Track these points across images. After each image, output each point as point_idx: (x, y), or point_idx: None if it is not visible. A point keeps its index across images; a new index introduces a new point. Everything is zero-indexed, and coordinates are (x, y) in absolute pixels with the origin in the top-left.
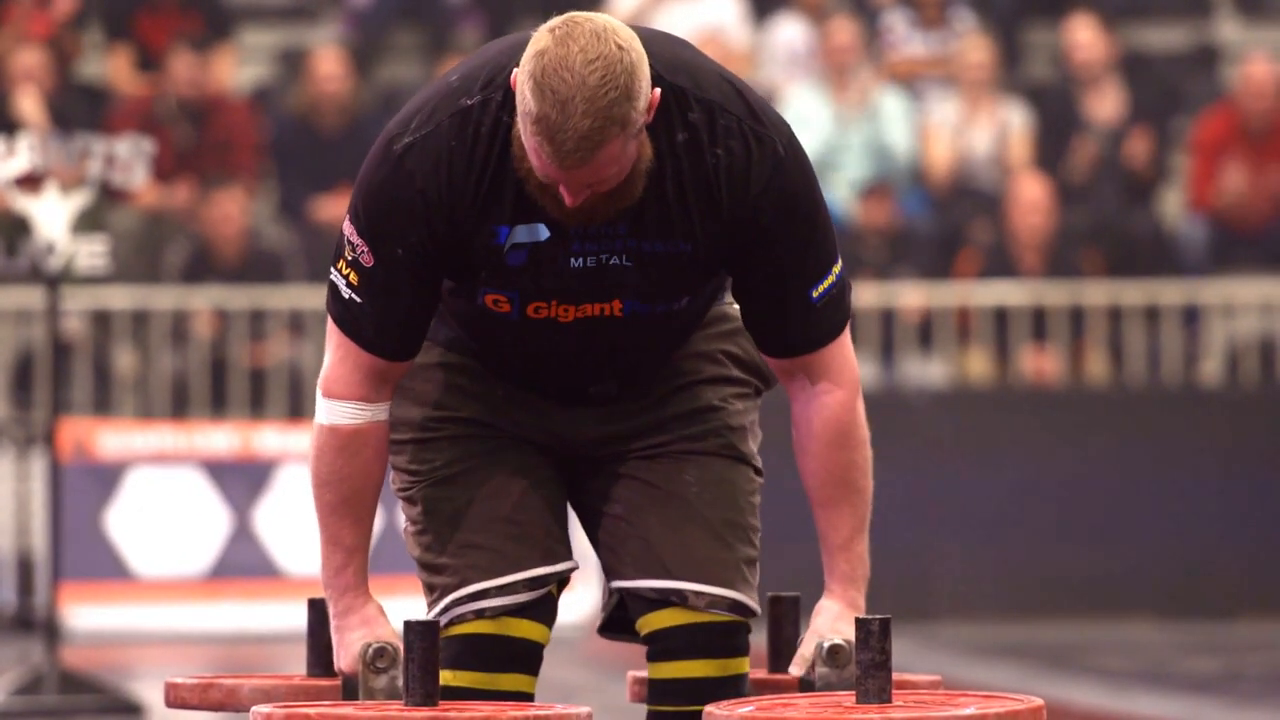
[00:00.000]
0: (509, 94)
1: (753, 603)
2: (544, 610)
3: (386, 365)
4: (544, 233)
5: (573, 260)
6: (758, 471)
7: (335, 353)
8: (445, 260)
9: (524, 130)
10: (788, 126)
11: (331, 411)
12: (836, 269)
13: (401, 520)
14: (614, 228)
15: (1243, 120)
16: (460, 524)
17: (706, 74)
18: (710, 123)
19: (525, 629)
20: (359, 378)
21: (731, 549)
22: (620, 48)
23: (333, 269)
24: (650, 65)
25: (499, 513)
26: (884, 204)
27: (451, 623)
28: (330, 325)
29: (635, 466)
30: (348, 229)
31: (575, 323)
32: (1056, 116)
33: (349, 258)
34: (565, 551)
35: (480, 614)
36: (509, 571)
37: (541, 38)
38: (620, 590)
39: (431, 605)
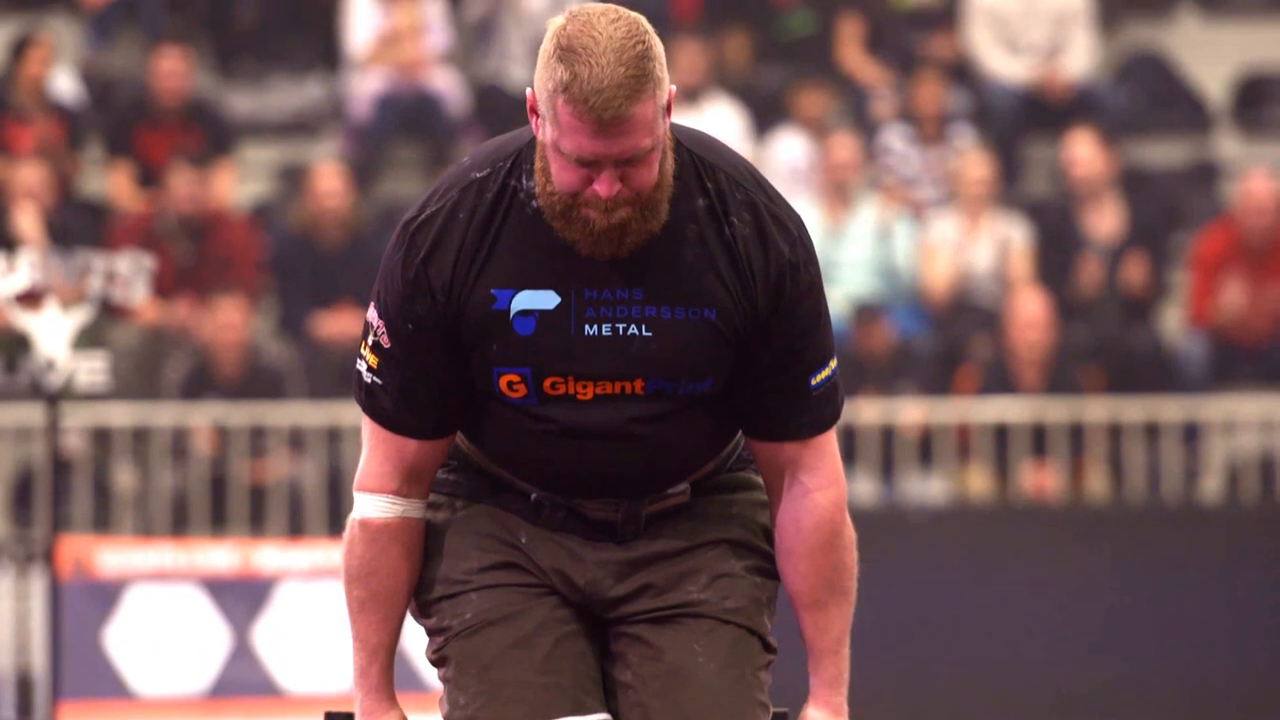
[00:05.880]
0: (518, 161)
1: None
2: None
3: (415, 451)
4: (553, 299)
5: (586, 328)
6: (769, 648)
7: (366, 445)
8: (454, 331)
9: (554, 112)
10: (799, 216)
11: (363, 505)
12: (833, 363)
13: (407, 642)
14: (629, 293)
15: (1243, 236)
16: (490, 674)
17: (723, 151)
18: (727, 193)
19: None
20: (389, 468)
21: None
22: (635, 16)
23: (357, 358)
24: (671, 132)
25: (530, 663)
26: (878, 325)
27: None
28: (363, 420)
29: (647, 630)
30: (370, 314)
31: (596, 401)
32: (1056, 232)
33: (370, 341)
34: (595, 703)
35: None
36: (540, 718)
37: (557, 23)
38: None
39: None
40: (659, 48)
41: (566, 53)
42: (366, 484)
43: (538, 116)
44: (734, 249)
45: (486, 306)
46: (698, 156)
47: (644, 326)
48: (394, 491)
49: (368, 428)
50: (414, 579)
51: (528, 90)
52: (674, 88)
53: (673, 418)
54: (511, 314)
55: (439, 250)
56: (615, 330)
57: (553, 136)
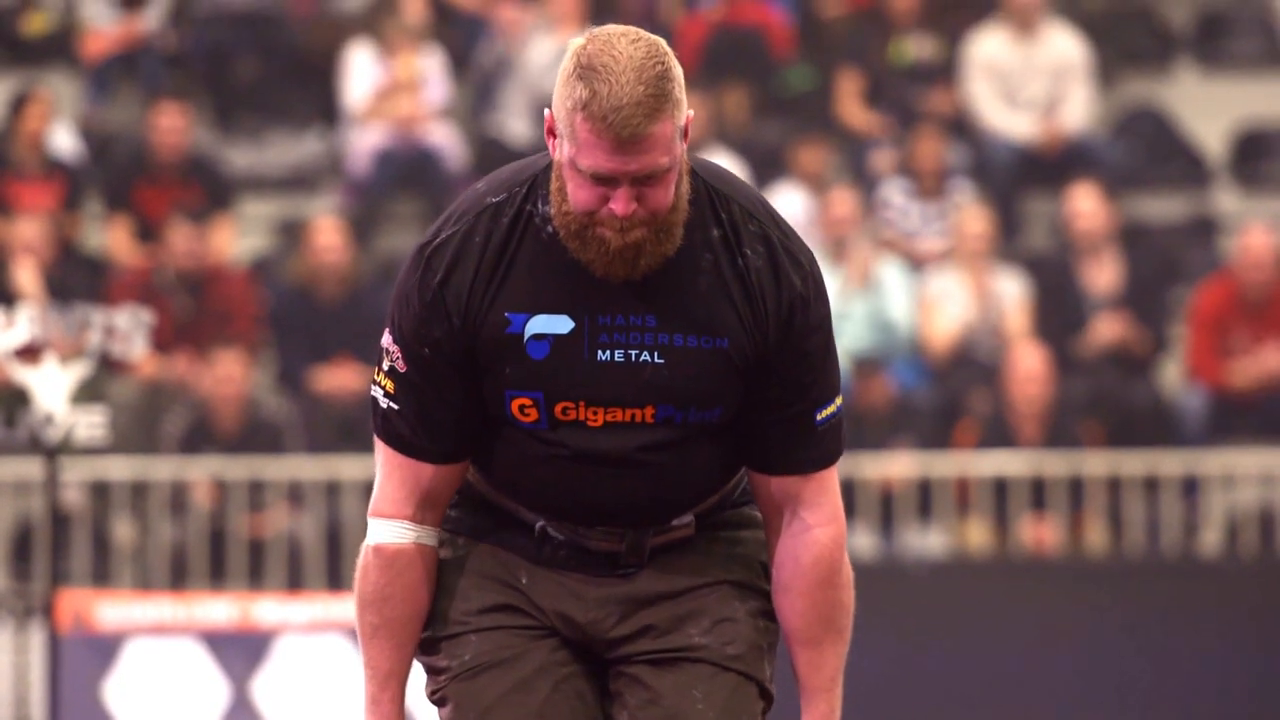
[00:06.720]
0: (534, 186)
1: None
2: None
3: (430, 476)
4: (567, 324)
5: (600, 354)
6: (765, 694)
7: (381, 471)
8: (469, 355)
9: (572, 129)
10: (811, 251)
11: (377, 531)
12: (839, 400)
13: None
14: (642, 320)
15: (1241, 291)
16: (489, 718)
17: (736, 183)
18: (741, 224)
19: None
20: (404, 494)
21: None
22: (655, 38)
23: (372, 384)
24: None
25: (528, 707)
26: (878, 379)
27: None
28: (377, 446)
29: (647, 672)
30: (385, 339)
31: (606, 428)
32: (1055, 286)
33: (385, 367)
34: None
35: None
36: None
37: (576, 43)
38: None
39: None
40: (678, 70)
41: (586, 71)
42: (382, 510)
43: (555, 137)
44: (747, 280)
45: (501, 330)
46: (712, 187)
47: (656, 353)
48: (409, 518)
49: (383, 454)
50: (427, 606)
51: (546, 111)
52: (691, 112)
53: (680, 446)
54: (525, 338)
55: (455, 273)
56: (628, 356)
57: (570, 154)
